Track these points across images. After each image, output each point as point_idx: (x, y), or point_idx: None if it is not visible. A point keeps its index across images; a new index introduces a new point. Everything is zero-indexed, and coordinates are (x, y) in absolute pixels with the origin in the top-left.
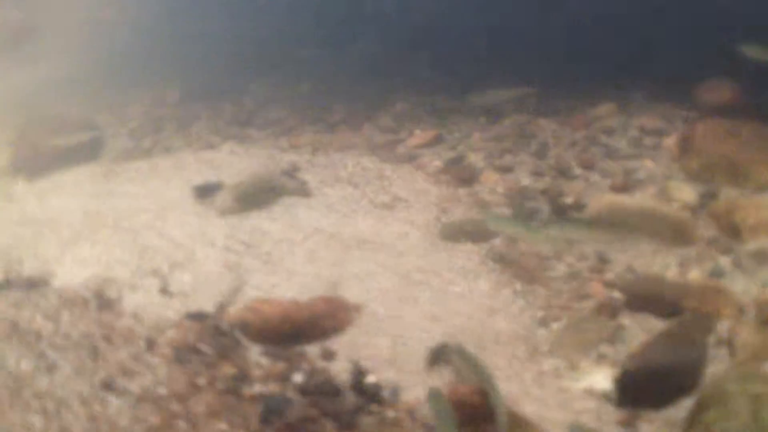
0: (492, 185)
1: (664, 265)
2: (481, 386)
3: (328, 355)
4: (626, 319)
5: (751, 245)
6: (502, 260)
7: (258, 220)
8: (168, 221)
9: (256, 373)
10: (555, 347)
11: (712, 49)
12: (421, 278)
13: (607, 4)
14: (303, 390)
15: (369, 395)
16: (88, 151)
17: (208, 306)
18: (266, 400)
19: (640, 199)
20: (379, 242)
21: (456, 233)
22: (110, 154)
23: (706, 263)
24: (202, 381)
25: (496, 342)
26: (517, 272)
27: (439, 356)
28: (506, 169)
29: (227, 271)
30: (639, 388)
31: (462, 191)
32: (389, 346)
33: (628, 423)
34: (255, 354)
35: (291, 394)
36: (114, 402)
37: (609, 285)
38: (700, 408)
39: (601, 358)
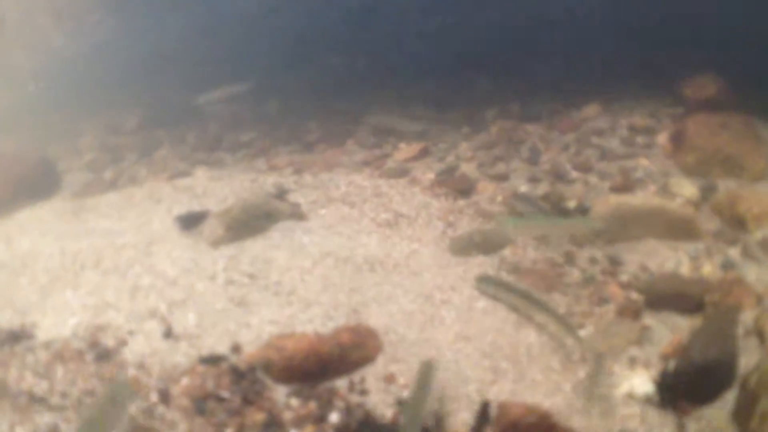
0: (490, 194)
1: (677, 261)
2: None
3: (362, 389)
4: (649, 319)
5: (758, 234)
6: (517, 270)
7: (257, 248)
8: (156, 257)
9: (288, 416)
10: (586, 354)
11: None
12: (442, 297)
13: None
14: (343, 430)
15: None
16: (45, 186)
17: (220, 347)
18: None
19: (645, 198)
20: (391, 263)
21: (466, 246)
22: (69, 188)
23: (716, 256)
24: None
25: (529, 356)
26: (534, 281)
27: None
28: (501, 178)
29: (234, 307)
30: (681, 387)
31: (462, 202)
32: None
33: (675, 424)
34: (282, 395)
35: None
36: None
37: (626, 286)
38: (751, 399)
39: (632, 362)
